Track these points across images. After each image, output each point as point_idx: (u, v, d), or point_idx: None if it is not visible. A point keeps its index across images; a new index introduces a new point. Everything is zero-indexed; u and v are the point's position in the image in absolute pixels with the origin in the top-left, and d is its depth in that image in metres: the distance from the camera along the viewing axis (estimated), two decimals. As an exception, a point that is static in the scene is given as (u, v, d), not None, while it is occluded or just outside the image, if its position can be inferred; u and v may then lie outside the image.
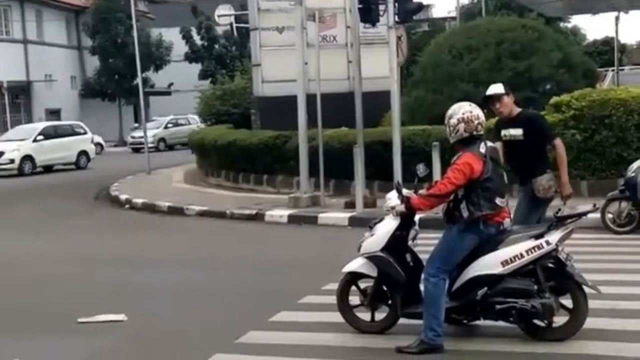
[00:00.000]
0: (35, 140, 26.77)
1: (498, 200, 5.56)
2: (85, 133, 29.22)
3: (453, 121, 5.62)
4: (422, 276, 5.68)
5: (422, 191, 5.87)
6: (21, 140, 26.69)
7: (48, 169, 27.15)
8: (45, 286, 8.63)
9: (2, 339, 6.58)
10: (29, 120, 44.80)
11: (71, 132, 28.49)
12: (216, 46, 48.63)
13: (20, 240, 12.26)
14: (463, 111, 5.61)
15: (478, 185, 5.49)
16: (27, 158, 26.24)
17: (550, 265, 5.59)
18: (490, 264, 5.55)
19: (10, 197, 19.40)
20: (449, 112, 5.71)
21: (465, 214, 5.51)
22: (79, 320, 6.91)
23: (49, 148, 26.79)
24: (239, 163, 17.42)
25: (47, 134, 27.51)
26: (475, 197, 5.50)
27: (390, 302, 5.99)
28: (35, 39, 45.95)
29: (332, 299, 6.27)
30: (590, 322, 5.61)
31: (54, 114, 47.21)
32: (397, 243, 5.88)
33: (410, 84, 17.29)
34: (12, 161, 25.91)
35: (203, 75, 46.31)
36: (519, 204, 6.65)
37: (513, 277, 5.56)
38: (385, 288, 6.00)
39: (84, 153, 28.43)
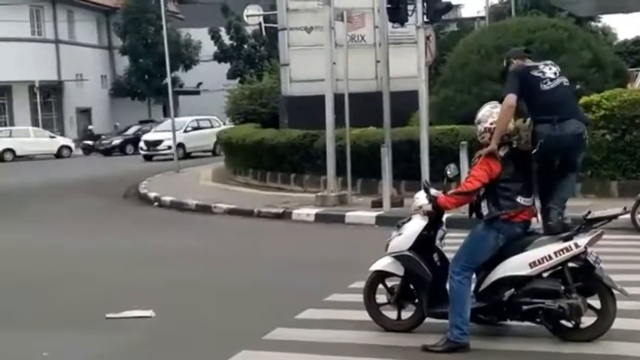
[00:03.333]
0: (185, 131, 31.37)
1: (520, 199, 5.56)
2: (219, 126, 32.58)
3: (480, 128, 5.70)
4: (448, 274, 5.68)
5: (450, 191, 5.88)
6: (175, 130, 30.46)
7: (187, 155, 30.78)
8: (72, 282, 8.74)
9: (31, 333, 6.68)
10: (60, 119, 45.40)
11: (209, 125, 32.37)
12: (245, 46, 48.75)
13: (48, 236, 12.40)
14: (491, 121, 5.63)
15: (496, 185, 5.55)
16: (180, 146, 30.07)
17: (578, 266, 5.55)
18: (518, 265, 5.54)
19: (42, 192, 19.65)
20: (479, 115, 5.74)
21: (485, 211, 5.58)
22: (107, 315, 6.99)
23: (195, 137, 31.50)
24: (266, 162, 17.48)
25: (193, 126, 32.37)
26: (494, 196, 5.56)
27: (416, 300, 6.00)
28: (67, 39, 46.49)
29: (359, 297, 6.28)
30: (618, 323, 5.56)
31: (85, 113, 47.78)
32: (425, 243, 5.89)
33: (438, 83, 17.23)
34: (169, 148, 29.42)
35: (232, 75, 46.48)
36: None
37: (540, 278, 5.55)
38: (412, 287, 6.01)
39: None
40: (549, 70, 5.71)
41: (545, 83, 5.62)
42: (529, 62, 5.86)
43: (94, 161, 33.58)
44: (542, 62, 5.83)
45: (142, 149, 32.38)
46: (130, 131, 38.14)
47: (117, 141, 37.57)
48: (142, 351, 6.12)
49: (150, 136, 32.61)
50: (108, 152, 36.87)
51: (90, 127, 41.50)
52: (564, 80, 5.70)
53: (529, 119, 5.65)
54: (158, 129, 33.22)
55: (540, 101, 5.58)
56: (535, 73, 5.67)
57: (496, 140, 5.56)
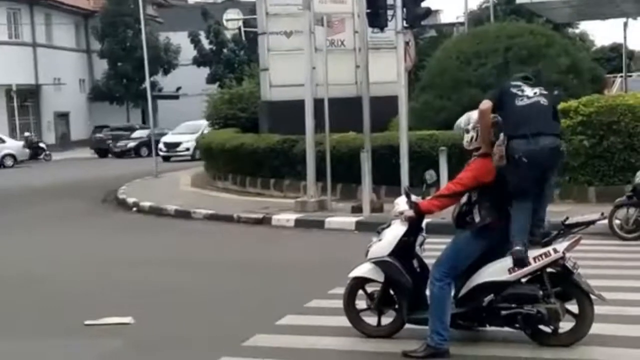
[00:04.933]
0: (202, 134, 31.66)
1: (509, 208, 5.55)
2: None
3: (473, 133, 5.65)
4: (429, 280, 5.69)
5: (429, 198, 5.89)
6: (192, 133, 32.42)
7: None
8: (51, 288, 8.66)
9: (8, 340, 6.60)
10: (38, 123, 45.01)
11: None
12: (224, 50, 48.70)
13: (25, 242, 12.31)
14: None
15: (489, 192, 5.52)
16: (197, 148, 31.83)
17: (556, 271, 5.59)
18: (497, 271, 5.56)
19: (17, 198, 19.47)
20: (466, 120, 5.74)
21: (477, 219, 5.55)
22: (86, 322, 6.93)
23: None
24: (246, 167, 17.44)
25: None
26: (487, 203, 5.53)
27: (397, 306, 6.01)
28: (45, 42, 46.11)
29: (339, 303, 6.27)
30: (596, 328, 5.60)
31: (63, 117, 47.43)
32: (405, 248, 5.89)
33: (417, 89, 17.30)
34: (187, 149, 32.23)
35: (211, 79, 46.38)
36: None
37: (519, 283, 5.58)
38: (392, 293, 6.02)
39: None
40: (530, 90, 5.64)
41: (522, 100, 5.57)
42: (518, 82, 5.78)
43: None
44: (530, 85, 5.72)
45: (161, 150, 33.12)
46: (144, 134, 37.94)
47: (132, 144, 38.26)
48: (121, 359, 6.07)
49: (169, 138, 34.37)
50: (123, 154, 37.53)
51: (27, 134, 40.36)
52: (542, 100, 5.61)
53: (502, 135, 5.57)
54: (176, 131, 35.09)
55: (513, 117, 5.53)
56: (514, 90, 5.63)
57: (484, 139, 5.54)
